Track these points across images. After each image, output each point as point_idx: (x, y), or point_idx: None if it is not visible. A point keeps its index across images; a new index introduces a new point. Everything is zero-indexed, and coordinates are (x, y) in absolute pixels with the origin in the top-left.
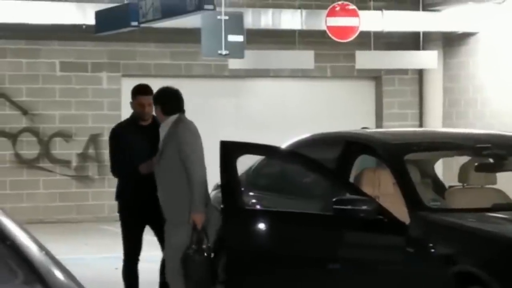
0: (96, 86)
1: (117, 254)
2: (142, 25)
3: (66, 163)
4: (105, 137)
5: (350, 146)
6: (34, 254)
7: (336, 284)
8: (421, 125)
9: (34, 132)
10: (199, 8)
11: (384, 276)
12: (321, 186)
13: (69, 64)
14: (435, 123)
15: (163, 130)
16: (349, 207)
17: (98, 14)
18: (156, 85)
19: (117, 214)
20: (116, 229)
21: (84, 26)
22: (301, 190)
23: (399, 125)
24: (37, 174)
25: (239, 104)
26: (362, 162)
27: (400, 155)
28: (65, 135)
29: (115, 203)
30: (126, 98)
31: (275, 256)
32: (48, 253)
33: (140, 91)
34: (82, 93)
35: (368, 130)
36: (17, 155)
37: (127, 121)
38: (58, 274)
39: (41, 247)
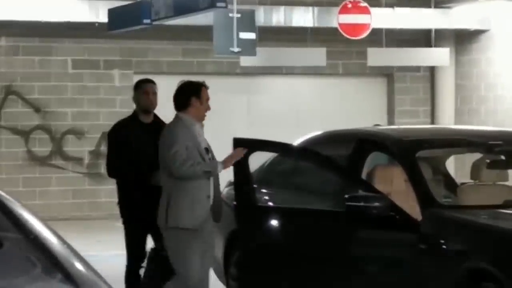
0: (108, 84)
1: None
2: (155, 22)
3: (78, 160)
4: None
5: (363, 143)
6: (56, 247)
7: (348, 280)
8: (433, 122)
9: (47, 129)
10: (211, 5)
11: (396, 273)
12: (333, 183)
13: (82, 61)
14: (447, 120)
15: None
16: (362, 203)
17: (111, 12)
18: (168, 82)
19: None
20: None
21: (96, 24)
22: (313, 187)
23: (411, 122)
24: (49, 172)
25: (251, 101)
26: (374, 159)
27: (412, 152)
28: (78, 133)
29: None
30: None
31: (286, 253)
32: (69, 247)
33: (143, 80)
34: (94, 91)
35: (380, 127)
36: (29, 153)
37: (129, 118)
38: (79, 266)
39: (63, 241)
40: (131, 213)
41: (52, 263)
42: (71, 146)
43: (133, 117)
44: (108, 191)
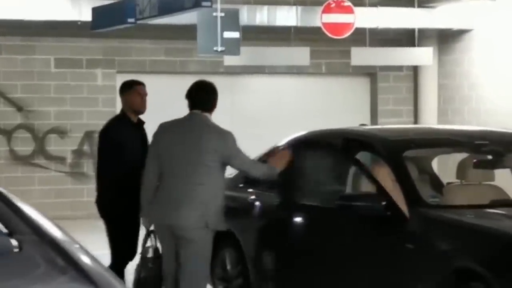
0: (91, 83)
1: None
2: (139, 22)
3: (61, 159)
4: None
5: (349, 143)
6: (70, 247)
7: (335, 279)
8: (416, 122)
9: (29, 128)
10: (196, 5)
11: (384, 272)
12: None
13: (64, 60)
14: (430, 120)
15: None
16: (354, 203)
17: (95, 11)
18: (151, 81)
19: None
20: None
21: (79, 23)
22: (300, 187)
23: (393, 121)
24: (32, 171)
25: (234, 100)
26: (361, 159)
27: (399, 151)
28: (60, 132)
29: None
30: None
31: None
32: (80, 246)
33: (135, 82)
34: (77, 90)
35: (366, 127)
36: (12, 152)
37: (119, 117)
38: (94, 264)
39: (73, 240)
40: (118, 212)
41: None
42: (54, 146)
43: (123, 116)
44: (91, 191)
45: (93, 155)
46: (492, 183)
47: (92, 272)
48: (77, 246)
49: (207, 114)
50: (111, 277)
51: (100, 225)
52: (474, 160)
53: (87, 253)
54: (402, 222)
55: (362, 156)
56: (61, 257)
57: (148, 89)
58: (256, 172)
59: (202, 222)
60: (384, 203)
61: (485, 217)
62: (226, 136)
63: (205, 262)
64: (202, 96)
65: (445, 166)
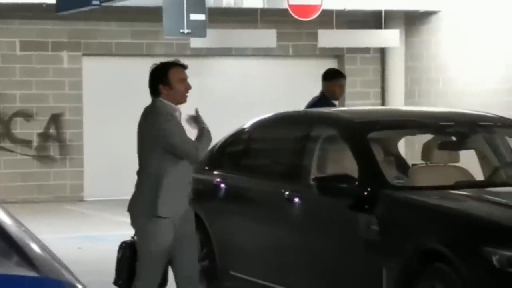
0: (57, 66)
1: (80, 234)
2: (104, 4)
3: (27, 143)
4: (67, 117)
5: (314, 125)
6: (12, 229)
7: (304, 259)
8: (383, 104)
9: None
10: None
11: (350, 254)
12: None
13: (30, 43)
14: (397, 102)
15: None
16: (330, 184)
17: None
18: (117, 64)
19: (80, 194)
20: (79, 209)
21: (44, 5)
22: (266, 169)
23: (361, 103)
24: None
25: (201, 83)
26: (326, 140)
27: (364, 133)
28: (26, 115)
29: (76, 183)
30: (87, 77)
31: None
32: (26, 229)
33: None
34: (42, 73)
35: (331, 109)
36: None
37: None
38: (36, 248)
39: (19, 223)
40: None
41: (9, 245)
42: (20, 129)
43: None
44: (57, 174)
45: (59, 138)
46: (457, 164)
47: (37, 258)
48: (23, 229)
49: (158, 99)
50: (56, 263)
51: (67, 208)
52: (439, 142)
53: (34, 238)
54: (367, 204)
55: (328, 138)
56: (5, 242)
57: (114, 72)
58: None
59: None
60: (352, 184)
61: (449, 199)
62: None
63: None
64: (149, 81)
65: (411, 147)
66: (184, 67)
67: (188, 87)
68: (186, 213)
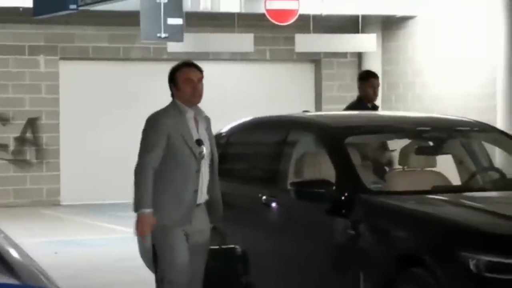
0: (33, 69)
1: (56, 239)
2: (81, 8)
3: (3, 147)
4: (43, 121)
5: (291, 129)
6: None
7: (278, 264)
8: None
9: None
10: None
11: (327, 258)
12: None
13: (6, 47)
14: None
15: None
16: (307, 189)
17: None
18: (94, 68)
19: (57, 199)
20: (55, 213)
21: (21, 9)
22: (243, 173)
23: (338, 108)
24: None
25: None
26: (303, 145)
27: (341, 138)
28: (2, 119)
29: (53, 187)
30: (64, 81)
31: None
32: (6, 236)
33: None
34: (19, 76)
35: (309, 114)
36: None
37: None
38: (15, 254)
39: None
40: None
41: None
42: None
43: None
44: (33, 178)
45: (36, 142)
46: (434, 169)
47: (17, 264)
48: (3, 236)
49: (172, 100)
50: (35, 269)
51: (44, 212)
52: (416, 146)
53: (13, 244)
54: (345, 208)
55: (305, 143)
56: None
57: (91, 76)
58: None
59: None
60: (329, 189)
61: (426, 203)
62: None
63: None
64: None
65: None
66: (193, 66)
67: (194, 87)
68: (200, 224)
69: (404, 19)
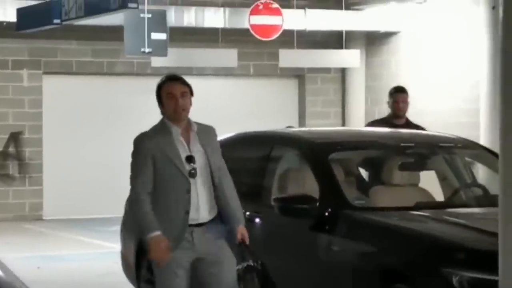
0: (17, 84)
1: (39, 253)
2: (65, 22)
3: None
4: (26, 135)
5: (275, 145)
6: None
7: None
8: (344, 124)
9: None
10: (123, 6)
11: (311, 274)
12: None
13: None
14: (357, 122)
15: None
16: (290, 205)
17: (20, 12)
18: (77, 82)
19: (39, 213)
20: (38, 228)
21: (4, 23)
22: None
23: (322, 123)
24: None
25: None
26: (287, 161)
27: (325, 154)
28: None
29: (36, 202)
30: (47, 95)
31: None
32: None
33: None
34: (2, 91)
35: (292, 129)
36: None
37: None
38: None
39: None
40: None
41: None
42: None
43: None
44: (16, 192)
45: (19, 156)
46: (417, 185)
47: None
48: None
49: (161, 118)
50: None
51: (26, 227)
52: (400, 162)
53: None
54: (328, 224)
55: (289, 159)
56: None
57: (75, 90)
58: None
59: None
60: (313, 205)
61: (410, 219)
62: None
63: None
64: None
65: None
66: (177, 80)
67: (176, 101)
68: (205, 246)
69: (387, 35)
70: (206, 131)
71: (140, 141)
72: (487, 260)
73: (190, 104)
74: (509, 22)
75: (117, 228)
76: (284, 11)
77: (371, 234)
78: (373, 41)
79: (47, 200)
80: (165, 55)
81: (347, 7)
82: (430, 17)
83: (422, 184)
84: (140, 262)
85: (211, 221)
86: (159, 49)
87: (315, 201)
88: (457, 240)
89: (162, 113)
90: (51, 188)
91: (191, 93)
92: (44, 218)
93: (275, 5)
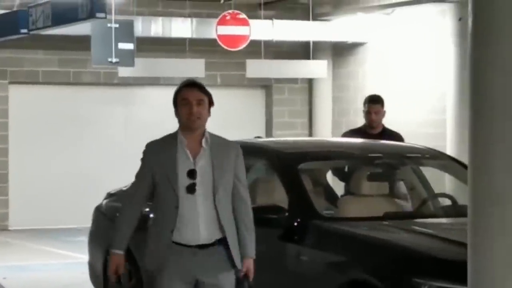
0: None
1: (5, 264)
2: (32, 32)
3: None
4: None
5: (244, 155)
6: None
7: None
8: (310, 134)
9: None
10: (90, 16)
11: (280, 285)
12: None
13: None
14: (324, 132)
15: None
16: (259, 215)
17: None
18: (43, 92)
19: (5, 223)
20: (3, 238)
21: None
22: None
23: (289, 134)
24: None
25: (128, 112)
26: (256, 171)
27: (294, 164)
28: None
29: (1, 212)
30: (13, 105)
31: None
32: None
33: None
34: None
35: (261, 139)
36: None
37: None
38: None
39: None
40: None
41: None
42: None
43: None
44: None
45: None
46: (386, 195)
47: None
48: None
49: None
50: None
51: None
52: (368, 173)
53: None
54: (297, 234)
55: (258, 169)
56: None
57: (41, 100)
58: None
59: None
60: (282, 215)
61: (378, 229)
62: None
63: None
64: None
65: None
66: (194, 86)
67: (190, 109)
68: (206, 272)
69: (355, 46)
70: (224, 147)
71: (145, 151)
72: (456, 269)
73: (209, 114)
74: (478, 33)
75: (84, 238)
76: (252, 22)
77: (340, 244)
78: (340, 52)
79: (13, 210)
80: (132, 65)
81: (315, 18)
82: (397, 28)
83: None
84: (107, 272)
85: (219, 244)
86: (126, 59)
87: (284, 211)
88: (426, 250)
89: (179, 121)
90: (17, 198)
91: (211, 103)
92: (10, 228)
93: (243, 16)
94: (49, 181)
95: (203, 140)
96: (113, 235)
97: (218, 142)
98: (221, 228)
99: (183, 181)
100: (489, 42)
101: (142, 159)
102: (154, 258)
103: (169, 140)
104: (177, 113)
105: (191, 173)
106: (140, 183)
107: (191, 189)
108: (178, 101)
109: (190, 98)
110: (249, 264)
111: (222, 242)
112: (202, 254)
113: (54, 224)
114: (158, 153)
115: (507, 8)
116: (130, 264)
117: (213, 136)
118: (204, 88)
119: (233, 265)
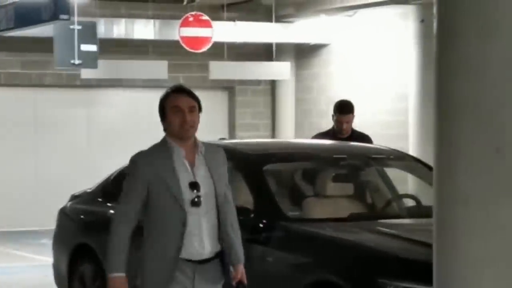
0: None
1: None
2: None
3: None
4: None
5: None
6: None
7: None
8: (273, 136)
9: None
10: (54, 18)
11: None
12: None
13: None
14: (287, 134)
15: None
16: None
17: None
18: (5, 95)
19: None
20: None
21: None
22: None
23: (252, 135)
24: None
25: (91, 114)
26: None
27: (259, 166)
28: None
29: None
30: None
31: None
32: None
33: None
34: None
35: (226, 141)
36: None
37: None
38: None
39: None
40: None
41: None
42: None
43: None
44: None
45: None
46: (351, 196)
47: None
48: None
49: (164, 136)
50: None
51: None
52: (333, 174)
53: None
54: (263, 236)
55: None
56: None
57: (2, 102)
58: None
59: None
60: (248, 216)
61: (343, 230)
62: None
63: None
64: None
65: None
66: (184, 92)
67: (183, 117)
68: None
69: (317, 47)
70: (214, 153)
71: (135, 162)
72: (420, 270)
73: (198, 121)
74: (443, 34)
75: (46, 240)
76: (214, 23)
77: (306, 245)
78: (303, 53)
79: None
80: (95, 67)
81: (277, 20)
82: (360, 30)
83: (355, 195)
84: (72, 274)
85: (214, 258)
86: (89, 61)
87: (250, 212)
88: (391, 251)
89: (165, 130)
90: None
91: (200, 109)
92: None
93: (205, 17)
94: (10, 184)
95: (197, 149)
96: (109, 257)
97: (209, 149)
98: (220, 240)
99: (187, 194)
100: (454, 44)
101: (132, 173)
102: (155, 277)
103: (161, 150)
104: (166, 121)
105: (194, 185)
106: (132, 198)
107: (196, 202)
108: (168, 109)
109: (182, 106)
110: (242, 269)
111: (219, 254)
112: (201, 268)
113: (17, 227)
114: (153, 165)
115: (472, 10)
116: (95, 265)
117: (203, 143)
118: (193, 94)
119: (224, 274)
